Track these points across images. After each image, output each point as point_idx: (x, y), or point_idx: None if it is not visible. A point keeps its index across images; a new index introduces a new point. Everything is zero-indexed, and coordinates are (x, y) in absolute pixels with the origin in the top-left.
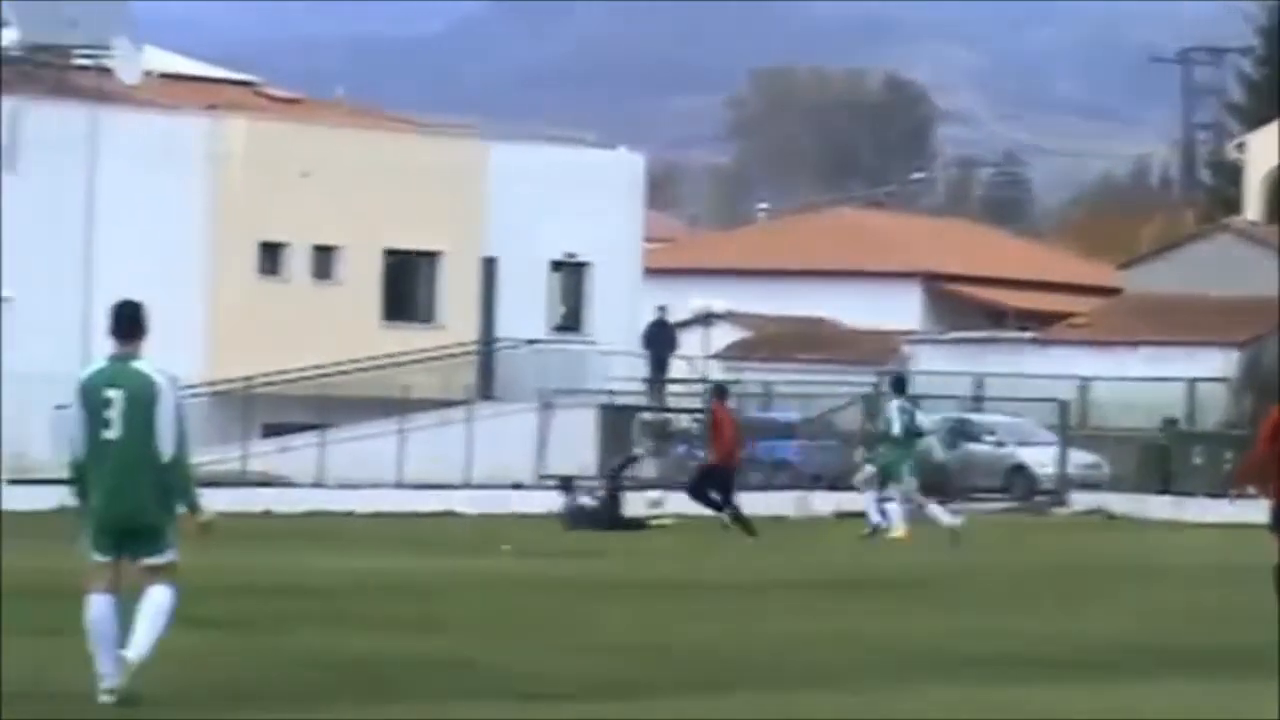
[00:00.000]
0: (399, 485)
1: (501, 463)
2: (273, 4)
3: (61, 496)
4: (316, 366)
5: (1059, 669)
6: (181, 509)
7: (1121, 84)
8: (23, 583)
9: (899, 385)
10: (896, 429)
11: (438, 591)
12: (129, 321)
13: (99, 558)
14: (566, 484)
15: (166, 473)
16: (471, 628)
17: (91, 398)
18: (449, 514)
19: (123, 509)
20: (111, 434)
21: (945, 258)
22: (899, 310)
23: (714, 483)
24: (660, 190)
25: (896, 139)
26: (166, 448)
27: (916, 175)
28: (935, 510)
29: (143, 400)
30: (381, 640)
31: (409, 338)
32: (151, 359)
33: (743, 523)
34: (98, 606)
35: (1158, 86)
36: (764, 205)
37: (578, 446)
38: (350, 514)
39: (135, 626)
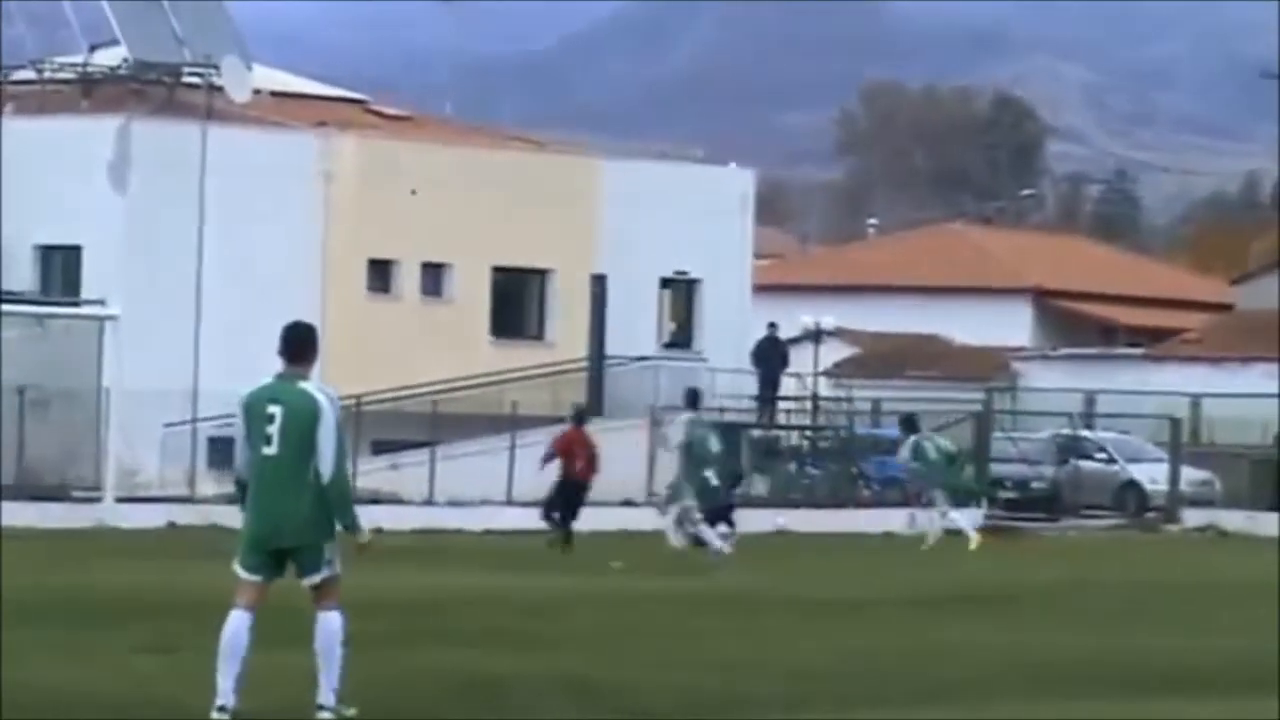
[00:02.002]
0: (509, 502)
1: (611, 480)
2: (383, 21)
3: (170, 514)
4: (426, 384)
5: (1176, 684)
6: (341, 529)
7: (1232, 100)
8: (131, 600)
9: (692, 399)
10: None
11: (549, 609)
12: (300, 342)
13: (244, 575)
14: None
15: (325, 492)
16: (583, 645)
17: (253, 413)
18: None
19: (271, 526)
20: (270, 450)
21: (1056, 274)
22: (1009, 327)
23: (565, 499)
24: (770, 207)
25: (1006, 156)
26: (326, 467)
27: (1026, 192)
28: (679, 534)
29: (303, 417)
30: (492, 657)
31: (518, 355)
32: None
33: (566, 541)
34: (232, 623)
35: (1268, 102)
36: (874, 222)
37: None
38: (460, 531)
39: (319, 675)
